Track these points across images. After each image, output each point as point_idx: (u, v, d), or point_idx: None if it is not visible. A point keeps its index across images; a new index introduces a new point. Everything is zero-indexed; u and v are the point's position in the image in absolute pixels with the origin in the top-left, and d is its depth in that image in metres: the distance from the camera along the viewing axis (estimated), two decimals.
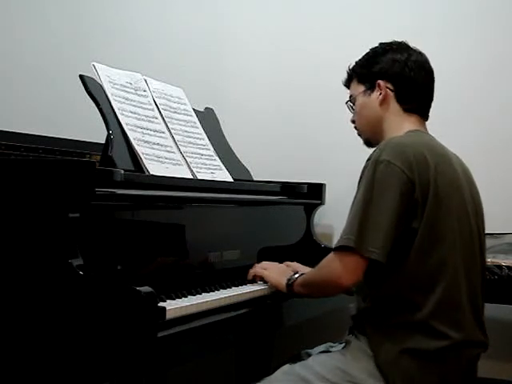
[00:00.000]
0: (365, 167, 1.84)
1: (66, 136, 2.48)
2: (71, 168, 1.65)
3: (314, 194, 2.68)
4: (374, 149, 1.89)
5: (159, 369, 1.64)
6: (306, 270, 2.10)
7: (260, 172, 2.72)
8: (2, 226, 1.68)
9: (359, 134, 2.08)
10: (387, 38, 2.06)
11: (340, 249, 1.79)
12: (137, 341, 1.55)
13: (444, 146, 1.95)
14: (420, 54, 2.01)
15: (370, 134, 2.04)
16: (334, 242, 2.84)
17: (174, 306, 1.68)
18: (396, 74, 1.97)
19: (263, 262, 2.17)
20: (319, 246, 2.65)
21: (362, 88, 2.02)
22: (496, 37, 2.69)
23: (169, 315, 1.62)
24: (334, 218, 2.84)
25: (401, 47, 2.00)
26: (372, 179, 1.78)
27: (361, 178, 1.84)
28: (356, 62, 2.06)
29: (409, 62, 1.97)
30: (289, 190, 2.61)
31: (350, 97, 2.08)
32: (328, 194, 2.73)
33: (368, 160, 1.83)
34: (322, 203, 2.71)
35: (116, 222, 1.80)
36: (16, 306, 1.65)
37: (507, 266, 2.26)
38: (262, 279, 2.10)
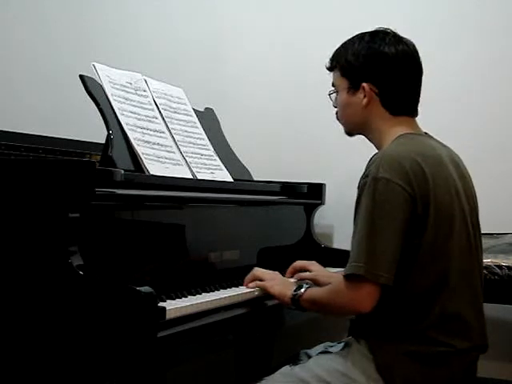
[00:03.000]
0: (363, 184, 1.78)
1: (66, 136, 2.48)
2: (71, 168, 1.65)
3: (314, 193, 2.68)
4: (368, 161, 1.84)
5: (159, 369, 1.64)
6: (324, 274, 2.13)
7: (260, 172, 2.72)
8: (2, 226, 1.68)
9: (341, 123, 2.00)
10: None
11: (351, 277, 1.74)
12: (137, 341, 1.54)
13: (435, 144, 1.89)
14: (407, 45, 1.88)
15: (353, 130, 1.98)
16: (334, 242, 2.90)
17: (174, 306, 1.68)
18: (381, 78, 1.87)
19: (259, 272, 2.05)
20: (319, 246, 2.65)
21: (345, 84, 1.92)
22: (495, 37, 2.69)
23: (169, 315, 1.61)
24: (334, 217, 2.84)
25: (389, 42, 1.87)
26: (373, 199, 1.73)
27: (359, 195, 1.79)
28: (341, 50, 1.94)
29: (395, 62, 1.86)
30: (289, 189, 2.61)
31: (333, 85, 1.98)
32: (328, 194, 2.73)
33: (365, 177, 1.77)
34: (322, 203, 2.71)
35: (116, 222, 1.80)
36: (16, 305, 1.65)
37: (507, 266, 2.26)
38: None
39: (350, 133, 2.01)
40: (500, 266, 2.26)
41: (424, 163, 1.77)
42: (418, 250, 1.75)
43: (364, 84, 1.88)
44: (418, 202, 1.74)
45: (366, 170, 1.81)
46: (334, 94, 1.99)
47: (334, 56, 1.97)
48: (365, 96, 1.88)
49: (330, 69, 1.98)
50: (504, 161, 2.63)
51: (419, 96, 1.93)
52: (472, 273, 1.84)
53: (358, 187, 1.81)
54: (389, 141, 1.86)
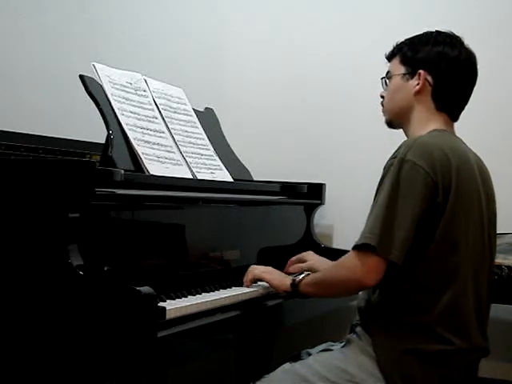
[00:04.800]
0: (389, 165, 1.80)
1: (66, 136, 2.48)
2: (71, 168, 1.65)
3: (314, 193, 2.68)
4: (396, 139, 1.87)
5: (159, 369, 1.64)
6: (320, 261, 2.14)
7: (260, 172, 2.72)
8: (2, 226, 1.68)
9: (383, 112, 2.05)
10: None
11: (361, 247, 1.75)
12: (137, 341, 1.54)
13: (466, 147, 1.94)
14: (471, 53, 1.95)
15: (394, 117, 2.01)
16: (334, 242, 2.90)
17: (174, 306, 1.68)
18: (440, 70, 1.92)
19: (256, 266, 2.09)
20: (319, 246, 2.65)
21: (402, 70, 1.97)
22: (495, 36, 2.68)
23: (169, 315, 1.62)
24: (334, 218, 2.84)
25: (454, 42, 1.93)
26: (397, 179, 1.76)
27: (384, 175, 1.82)
28: (405, 41, 2.00)
29: (457, 61, 1.91)
30: (289, 189, 2.61)
31: (388, 73, 2.03)
32: (328, 194, 2.73)
33: (393, 158, 1.81)
34: (322, 203, 2.71)
35: (116, 222, 1.80)
36: (16, 305, 1.65)
37: (507, 266, 2.26)
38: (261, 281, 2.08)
39: (390, 122, 2.04)
40: (500, 266, 2.25)
41: (452, 157, 1.81)
42: (431, 239, 1.77)
43: (421, 71, 1.92)
44: (440, 191, 1.77)
45: (394, 153, 1.83)
46: (386, 80, 2.03)
47: (397, 46, 2.01)
48: (418, 83, 1.93)
49: (389, 57, 2.03)
50: (504, 161, 2.63)
51: (466, 104, 1.97)
52: (481, 277, 1.86)
53: (384, 168, 1.83)
54: (423, 133, 1.90)
